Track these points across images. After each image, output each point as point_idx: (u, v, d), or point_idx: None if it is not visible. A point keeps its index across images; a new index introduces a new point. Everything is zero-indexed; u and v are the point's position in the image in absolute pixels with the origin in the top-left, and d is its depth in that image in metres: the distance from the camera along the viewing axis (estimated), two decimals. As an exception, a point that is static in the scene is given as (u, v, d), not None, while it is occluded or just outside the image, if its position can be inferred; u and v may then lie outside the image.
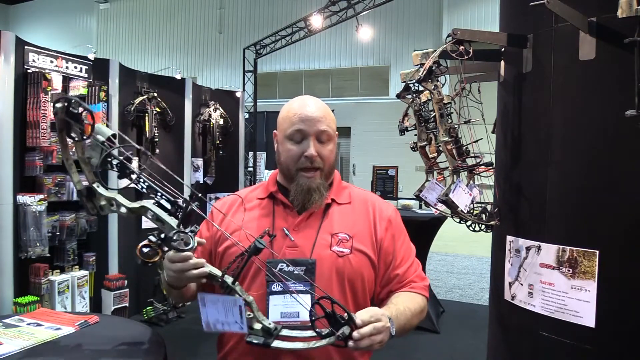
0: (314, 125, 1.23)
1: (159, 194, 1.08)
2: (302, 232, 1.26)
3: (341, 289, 1.22)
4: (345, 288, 1.23)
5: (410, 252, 1.35)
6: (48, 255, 3.14)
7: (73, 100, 1.08)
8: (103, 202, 1.14)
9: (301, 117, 1.24)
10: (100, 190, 1.14)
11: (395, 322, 1.12)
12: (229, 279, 1.07)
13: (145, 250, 1.09)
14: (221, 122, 4.96)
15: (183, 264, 1.07)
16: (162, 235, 1.08)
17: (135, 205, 1.10)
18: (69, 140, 1.12)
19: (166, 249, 1.08)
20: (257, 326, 1.06)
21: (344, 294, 1.22)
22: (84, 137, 1.09)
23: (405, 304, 1.22)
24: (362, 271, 1.25)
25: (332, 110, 1.39)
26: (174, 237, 1.05)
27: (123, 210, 1.12)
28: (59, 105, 1.08)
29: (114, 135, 1.11)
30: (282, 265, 1.20)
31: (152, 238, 1.08)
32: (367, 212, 1.32)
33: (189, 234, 1.06)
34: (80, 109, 1.08)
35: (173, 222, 1.07)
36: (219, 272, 1.08)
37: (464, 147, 1.68)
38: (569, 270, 1.48)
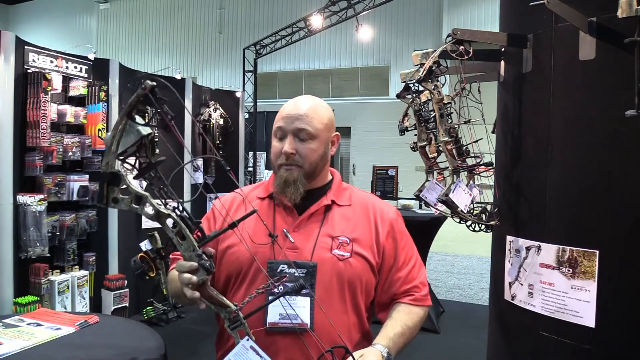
0: (292, 123, 1.25)
1: (179, 208, 1.01)
2: (302, 233, 1.26)
3: (341, 292, 1.23)
4: (344, 291, 1.24)
5: (413, 254, 1.35)
6: (48, 255, 3.14)
7: (157, 89, 0.99)
8: (119, 195, 1.03)
9: (283, 115, 1.28)
10: (130, 179, 1.03)
11: (394, 347, 1.19)
12: (240, 314, 1.03)
13: (140, 262, 1.05)
14: (221, 122, 4.96)
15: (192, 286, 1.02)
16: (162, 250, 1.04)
17: (165, 211, 1.02)
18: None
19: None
20: None
21: (343, 297, 1.24)
22: (145, 123, 1.02)
23: (404, 321, 1.25)
24: (361, 275, 1.25)
25: (332, 110, 1.39)
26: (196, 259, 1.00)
27: (149, 211, 1.02)
28: (149, 83, 0.97)
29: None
30: (283, 267, 1.20)
31: (149, 252, 1.05)
32: (367, 216, 1.32)
33: (210, 260, 1.01)
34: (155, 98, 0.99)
35: (194, 241, 1.01)
36: (231, 305, 1.04)
37: (464, 147, 1.68)
38: (569, 270, 1.48)
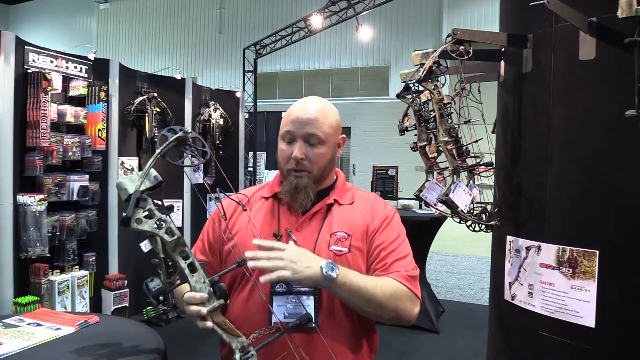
0: (302, 127, 1.24)
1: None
2: (304, 232, 1.27)
3: None
4: None
5: (404, 250, 1.29)
6: (48, 255, 3.14)
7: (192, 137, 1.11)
8: (142, 217, 1.04)
9: (293, 118, 1.26)
10: (152, 206, 1.05)
11: (343, 270, 1.11)
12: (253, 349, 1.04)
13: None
14: (221, 122, 4.96)
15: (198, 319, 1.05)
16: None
17: (181, 241, 1.05)
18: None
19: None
20: None
21: None
22: (176, 162, 1.09)
23: (369, 277, 1.19)
24: (361, 269, 1.24)
25: None
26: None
27: (167, 238, 1.03)
28: (188, 130, 1.09)
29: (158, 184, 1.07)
30: None
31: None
32: (366, 210, 1.33)
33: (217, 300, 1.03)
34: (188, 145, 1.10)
35: (205, 273, 1.04)
36: (242, 335, 1.05)
37: (464, 147, 1.68)
38: (569, 270, 1.48)
